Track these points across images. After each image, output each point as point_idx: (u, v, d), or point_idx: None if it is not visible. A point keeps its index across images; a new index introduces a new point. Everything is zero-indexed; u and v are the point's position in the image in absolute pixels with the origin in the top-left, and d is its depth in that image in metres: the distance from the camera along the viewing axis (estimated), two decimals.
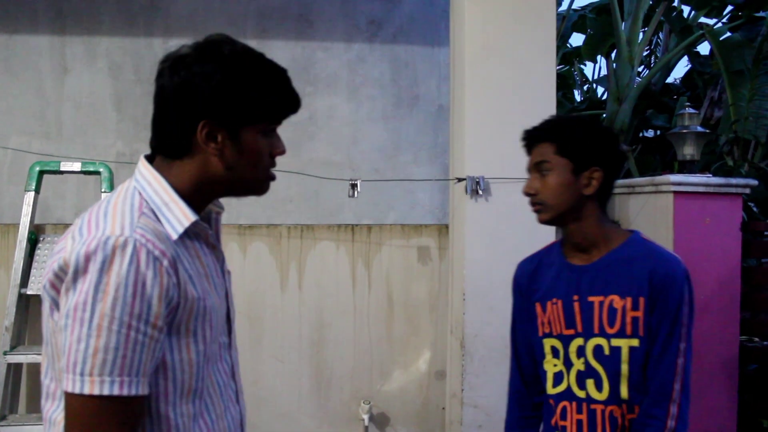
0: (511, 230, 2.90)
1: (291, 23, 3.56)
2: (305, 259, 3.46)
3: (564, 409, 1.53)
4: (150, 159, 1.09)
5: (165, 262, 0.96)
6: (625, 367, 1.45)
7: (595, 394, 1.48)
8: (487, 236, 2.96)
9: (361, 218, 3.55)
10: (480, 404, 2.97)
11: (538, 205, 1.50)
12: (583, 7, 8.23)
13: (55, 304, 0.98)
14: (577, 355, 1.50)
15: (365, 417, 3.35)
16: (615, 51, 6.70)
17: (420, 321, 3.50)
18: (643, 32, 6.49)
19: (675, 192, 3.16)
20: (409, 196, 3.57)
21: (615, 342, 1.46)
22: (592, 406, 1.49)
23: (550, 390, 1.56)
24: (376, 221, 3.54)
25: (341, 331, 3.47)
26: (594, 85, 9.69)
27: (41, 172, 3.08)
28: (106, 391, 0.91)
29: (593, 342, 1.48)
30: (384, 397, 3.49)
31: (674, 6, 6.98)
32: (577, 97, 9.57)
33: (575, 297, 1.51)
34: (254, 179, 1.10)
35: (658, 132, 7.02)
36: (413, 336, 3.50)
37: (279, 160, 1.13)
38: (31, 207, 3.06)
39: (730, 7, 6.99)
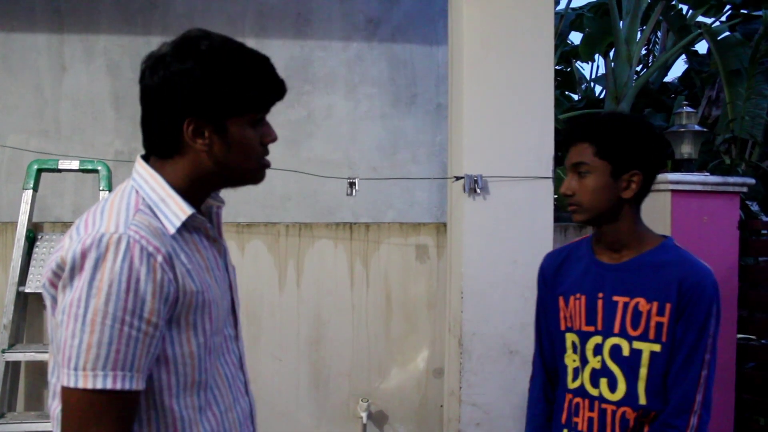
0: (509, 229, 2.91)
1: (289, 22, 3.56)
2: (303, 258, 3.46)
3: (577, 405, 1.52)
4: (146, 158, 1.10)
5: (159, 258, 0.97)
6: (644, 371, 1.43)
7: (607, 393, 1.47)
8: (485, 235, 2.96)
9: (359, 216, 3.55)
10: (478, 402, 2.98)
11: (574, 205, 1.48)
12: (582, 6, 8.25)
13: (55, 302, 0.99)
14: (594, 352, 1.49)
15: (363, 415, 3.35)
16: (613, 50, 6.70)
17: (418, 319, 3.51)
18: (641, 31, 6.50)
19: (672, 190, 3.17)
20: (408, 194, 3.57)
21: (636, 345, 1.44)
22: (603, 406, 1.48)
23: (570, 385, 1.55)
24: (375, 219, 3.55)
25: (339, 330, 3.47)
26: (592, 84, 9.70)
27: (39, 171, 3.07)
28: (99, 385, 0.93)
29: (611, 341, 1.47)
30: (382, 395, 3.49)
31: (672, 5, 6.99)
32: (576, 96, 9.57)
33: (600, 294, 1.49)
34: (247, 170, 1.10)
35: None
36: (411, 334, 3.51)
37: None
38: (29, 205, 3.06)
39: (728, 6, 7.00)
